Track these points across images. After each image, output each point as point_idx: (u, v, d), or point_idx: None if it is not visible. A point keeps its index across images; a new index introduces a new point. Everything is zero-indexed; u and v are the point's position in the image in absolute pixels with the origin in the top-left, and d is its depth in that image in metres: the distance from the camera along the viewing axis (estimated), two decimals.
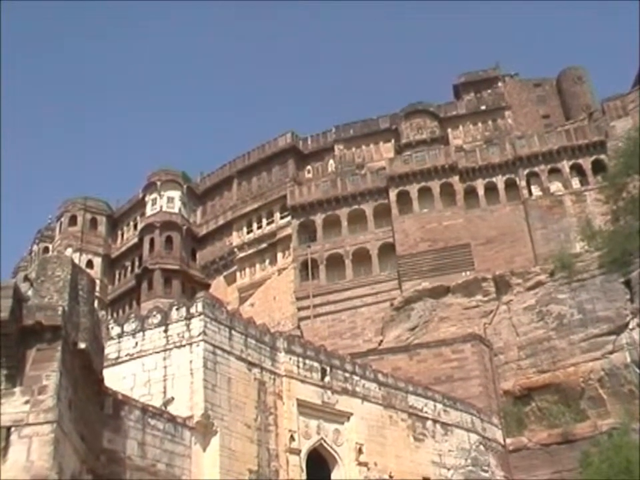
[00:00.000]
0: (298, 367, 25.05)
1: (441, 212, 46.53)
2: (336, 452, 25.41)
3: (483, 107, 55.24)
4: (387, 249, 46.41)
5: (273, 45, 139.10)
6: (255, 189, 55.73)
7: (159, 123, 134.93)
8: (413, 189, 47.42)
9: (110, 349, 21.35)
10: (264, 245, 52.67)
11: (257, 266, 53.09)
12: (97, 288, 50.65)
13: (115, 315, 54.45)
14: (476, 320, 41.57)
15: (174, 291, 52.77)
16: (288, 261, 50.26)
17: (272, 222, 53.01)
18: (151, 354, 21.63)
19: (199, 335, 21.54)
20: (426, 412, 30.03)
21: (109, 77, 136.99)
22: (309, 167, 55.64)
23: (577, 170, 47.25)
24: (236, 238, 54.63)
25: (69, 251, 55.39)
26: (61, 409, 11.95)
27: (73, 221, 59.47)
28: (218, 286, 53.82)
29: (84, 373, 13.78)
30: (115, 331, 22.33)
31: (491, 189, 47.44)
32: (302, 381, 24.94)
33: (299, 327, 45.43)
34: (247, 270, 53.46)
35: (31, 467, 11.26)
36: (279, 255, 51.69)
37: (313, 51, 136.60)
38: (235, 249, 54.10)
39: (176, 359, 21.37)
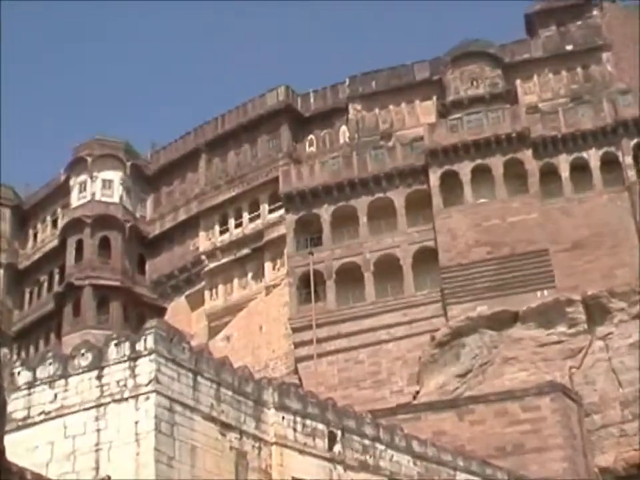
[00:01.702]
0: (295, 430, 24.96)
1: (505, 203, 46.59)
2: None
3: (570, 47, 55.03)
4: (426, 257, 46.42)
5: None
6: (232, 168, 55.82)
7: (89, 77, 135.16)
8: (465, 169, 47.46)
9: (16, 405, 21.29)
10: (245, 251, 52.88)
11: (235, 281, 53.26)
12: None
13: (23, 353, 54.49)
14: (557, 362, 41.52)
15: (112, 318, 52.93)
16: (280, 274, 50.37)
17: (257, 217, 53.19)
18: (77, 411, 21.50)
19: (149, 383, 21.40)
20: None
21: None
22: (311, 137, 55.78)
23: None
24: (204, 240, 54.74)
25: None
26: None
27: None
28: (178, 311, 54.01)
29: None
30: (24, 377, 22.25)
31: (579, 169, 47.38)
32: (300, 451, 24.85)
33: (296, 372, 45.59)
34: (220, 287, 53.61)
35: None
36: (267, 265, 51.79)
37: None
38: (203, 257, 54.21)
39: (114, 419, 21.23)
